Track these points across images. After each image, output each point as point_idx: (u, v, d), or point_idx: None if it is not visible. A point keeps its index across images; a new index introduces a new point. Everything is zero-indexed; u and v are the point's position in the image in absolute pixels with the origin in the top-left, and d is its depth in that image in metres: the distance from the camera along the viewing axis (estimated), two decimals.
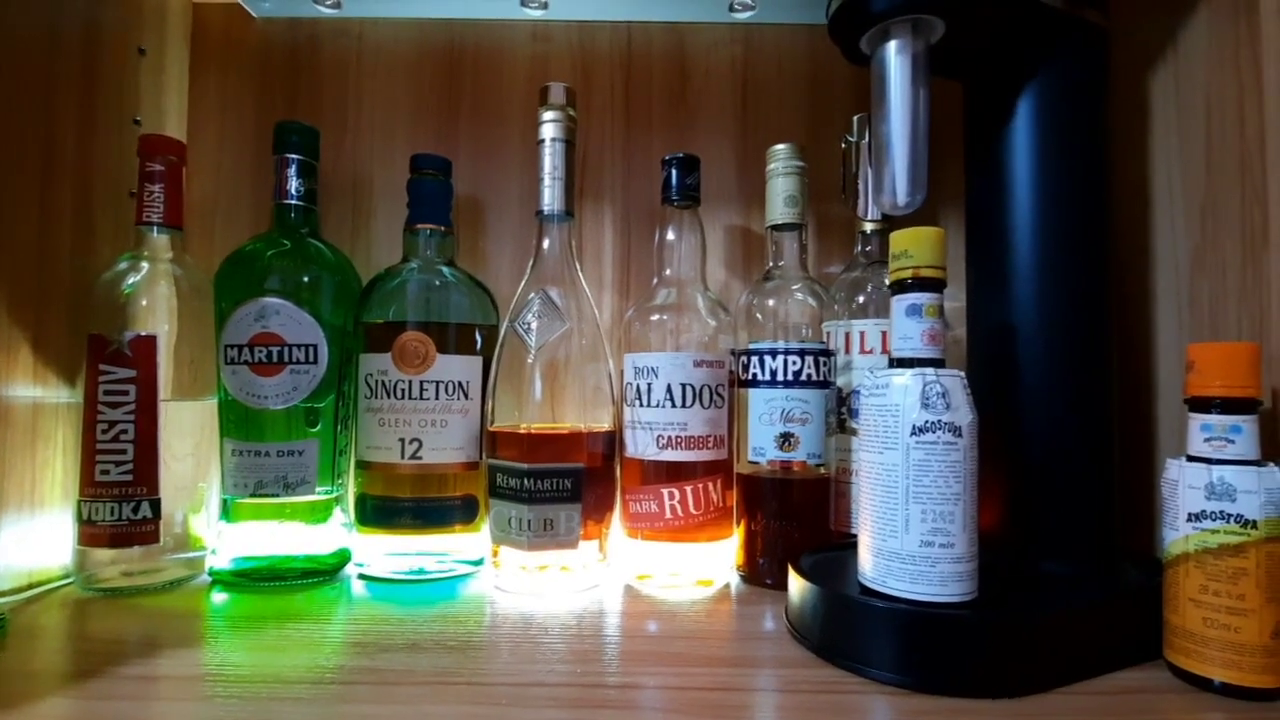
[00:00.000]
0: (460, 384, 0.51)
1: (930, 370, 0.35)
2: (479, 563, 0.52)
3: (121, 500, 0.46)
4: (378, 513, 0.51)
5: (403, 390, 0.50)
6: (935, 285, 0.36)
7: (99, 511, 0.46)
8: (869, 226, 0.54)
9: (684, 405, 0.48)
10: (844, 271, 0.55)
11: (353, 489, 0.53)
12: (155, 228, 0.50)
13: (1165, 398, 0.48)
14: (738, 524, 0.51)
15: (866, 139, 0.53)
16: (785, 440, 0.48)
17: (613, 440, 0.51)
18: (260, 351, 0.49)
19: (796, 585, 0.40)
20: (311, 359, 0.49)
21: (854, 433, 0.51)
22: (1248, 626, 0.32)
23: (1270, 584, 0.32)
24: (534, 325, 0.48)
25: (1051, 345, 0.43)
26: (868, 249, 0.54)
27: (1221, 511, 0.33)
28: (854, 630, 0.35)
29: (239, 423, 0.49)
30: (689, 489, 0.48)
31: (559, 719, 0.30)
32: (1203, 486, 0.34)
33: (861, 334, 0.51)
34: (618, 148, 0.62)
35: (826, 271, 0.60)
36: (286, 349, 0.49)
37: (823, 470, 0.50)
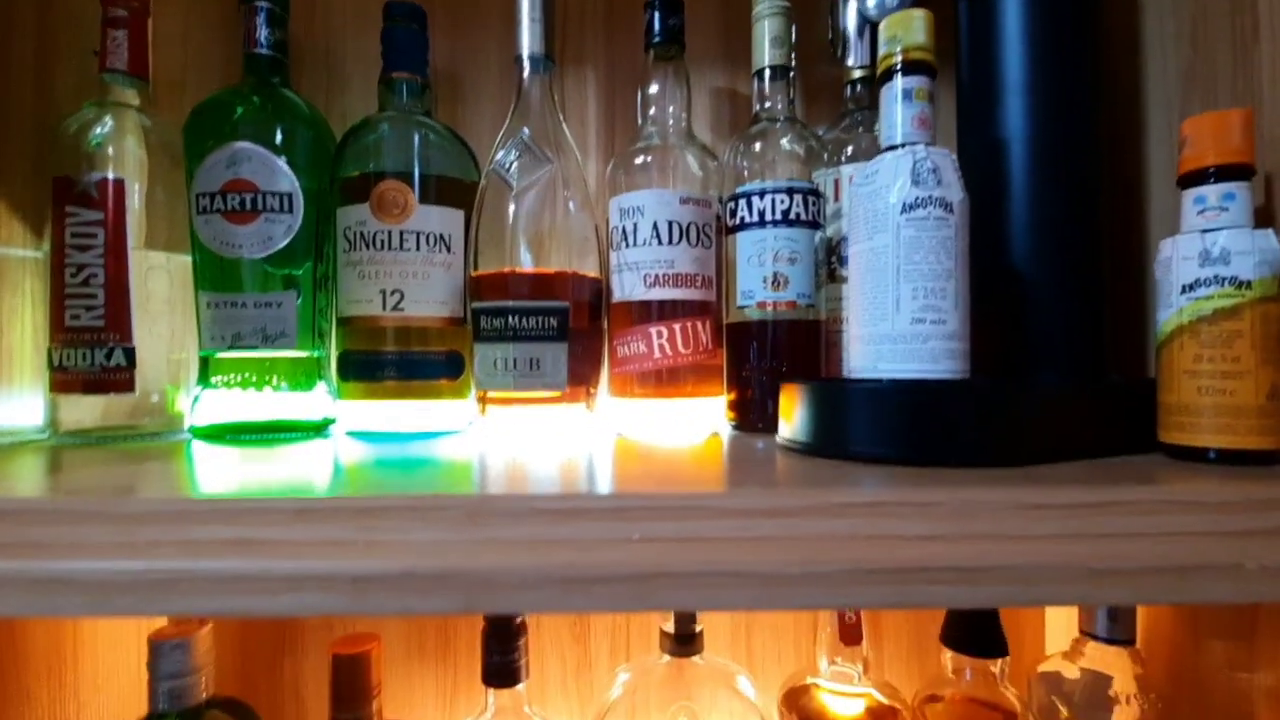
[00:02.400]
0: (441, 236, 0.50)
1: (920, 147, 0.34)
2: (469, 425, 0.51)
3: (94, 346, 0.45)
4: (360, 368, 0.49)
5: (382, 241, 0.48)
6: (925, 68, 0.35)
7: (70, 358, 0.45)
8: (857, 73, 0.53)
9: (671, 243, 0.47)
10: (831, 128, 0.54)
11: (334, 353, 0.52)
12: (120, 76, 0.48)
13: (1156, 226, 0.47)
14: (727, 374, 0.50)
15: None
16: (774, 280, 0.48)
17: (599, 292, 0.50)
18: (233, 199, 0.47)
19: (786, 394, 0.39)
20: (286, 208, 0.48)
21: (844, 281, 0.50)
22: (1243, 389, 0.32)
23: (1265, 345, 0.32)
24: (515, 166, 0.47)
25: (1041, 170, 0.42)
26: (857, 93, 0.53)
27: (1216, 276, 0.33)
28: (846, 418, 0.35)
29: (214, 275, 0.48)
30: (677, 327, 0.47)
31: (549, 492, 0.29)
32: (1196, 255, 0.33)
33: (851, 178, 0.50)
34: (599, 12, 0.60)
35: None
36: (260, 196, 0.47)
37: (813, 313, 0.49)
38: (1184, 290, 0.34)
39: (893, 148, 0.35)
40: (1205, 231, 0.33)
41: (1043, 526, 0.26)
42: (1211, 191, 0.34)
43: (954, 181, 0.34)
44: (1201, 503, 0.27)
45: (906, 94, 0.35)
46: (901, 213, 0.34)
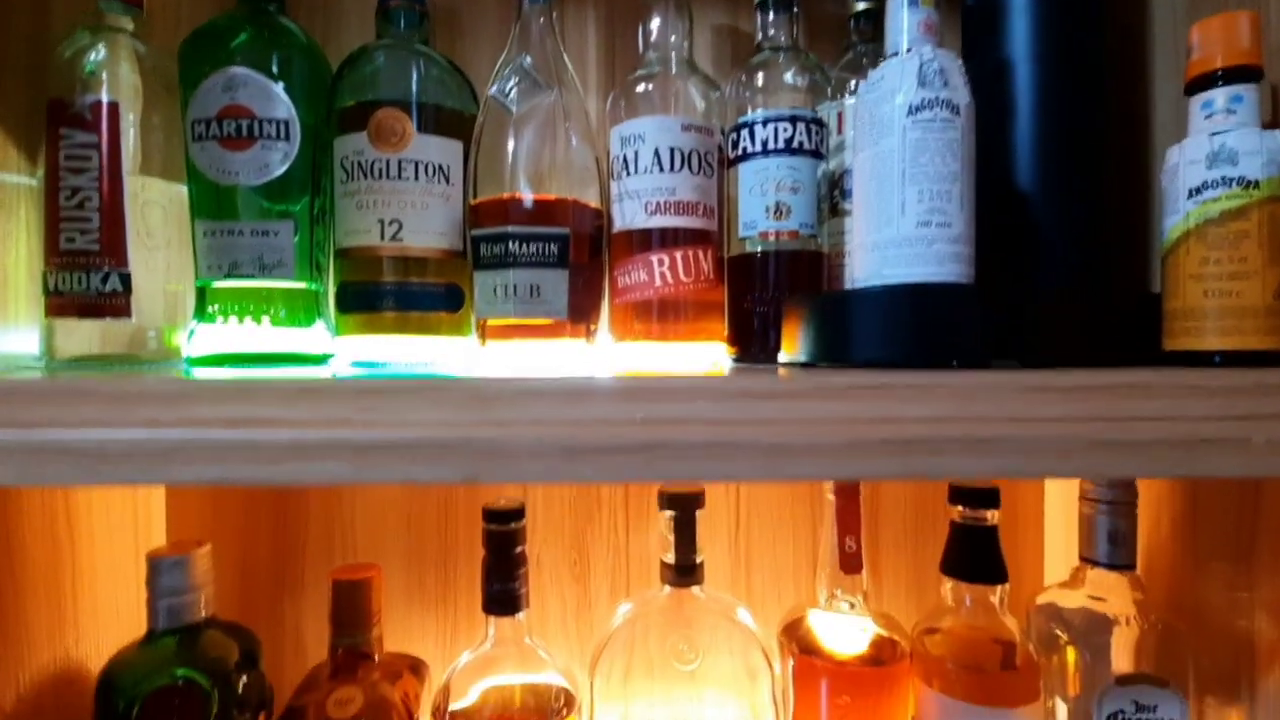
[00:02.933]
0: (440, 167, 0.49)
1: (927, 49, 0.34)
2: (469, 360, 0.51)
3: (89, 270, 0.44)
4: (358, 299, 0.49)
5: (380, 170, 0.48)
6: None
7: (65, 281, 0.44)
8: (861, 5, 0.52)
9: (673, 170, 0.46)
10: (834, 65, 0.54)
11: (333, 289, 0.51)
12: (115, 2, 0.47)
13: (1161, 152, 0.47)
14: (728, 307, 0.50)
15: None
16: (777, 210, 0.47)
17: (600, 227, 0.49)
18: (229, 125, 0.47)
19: (789, 312, 0.39)
20: (283, 135, 0.47)
21: (847, 215, 0.50)
22: (1249, 290, 0.32)
23: (1272, 244, 0.32)
24: (515, 92, 0.47)
25: (1045, 89, 0.42)
26: (860, 26, 0.52)
27: (1223, 177, 0.32)
28: (850, 324, 0.34)
29: (211, 203, 0.47)
30: (678, 255, 0.46)
31: (553, 376, 0.29)
32: (1204, 157, 0.33)
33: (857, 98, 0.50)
34: None
35: None
36: (256, 122, 0.47)
37: (815, 244, 0.49)
38: (1191, 194, 0.33)
39: (899, 54, 0.35)
40: (1213, 135, 0.33)
41: (1047, 408, 0.26)
42: (1220, 94, 0.33)
43: (960, 85, 0.34)
44: (1207, 386, 0.27)
45: None
46: (908, 115, 0.33)
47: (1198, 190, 0.33)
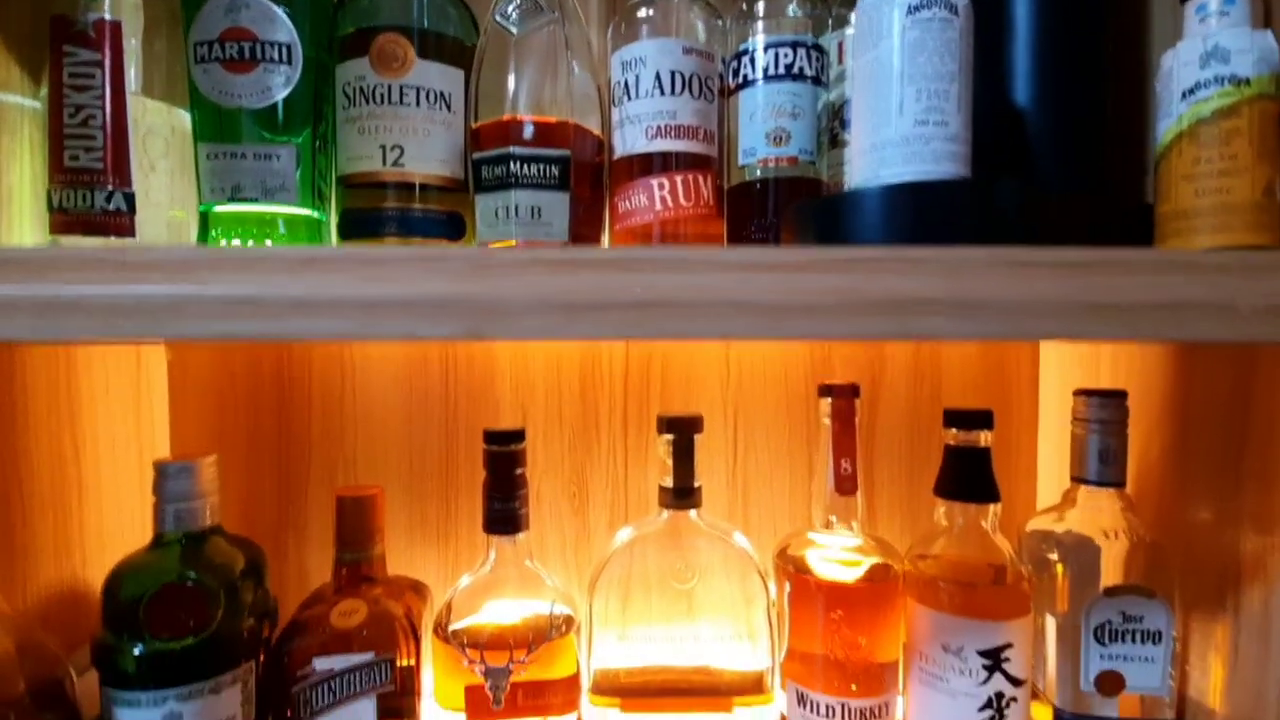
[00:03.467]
0: (442, 94, 0.49)
1: None
2: None
3: (93, 188, 0.45)
4: (360, 225, 0.49)
5: (382, 95, 0.48)
6: None
7: (70, 199, 0.45)
8: None
9: (674, 93, 0.47)
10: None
11: (335, 219, 0.52)
12: None
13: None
14: (728, 239, 0.50)
15: None
16: (776, 136, 0.48)
17: (600, 159, 0.50)
18: (231, 47, 0.47)
19: (786, 220, 0.39)
20: (285, 59, 0.48)
21: (847, 145, 0.50)
22: (1239, 186, 0.32)
23: (1263, 141, 0.32)
24: (516, 14, 0.47)
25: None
26: None
27: (1215, 76, 0.33)
28: (845, 225, 0.35)
29: (213, 125, 0.48)
30: (678, 179, 0.47)
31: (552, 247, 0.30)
32: (1197, 58, 0.33)
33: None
34: None
35: None
36: (258, 45, 0.47)
37: (814, 171, 0.49)
38: (1184, 96, 0.34)
39: None
40: (1207, 36, 0.33)
41: (1035, 285, 0.27)
42: None
43: None
44: (1194, 263, 0.27)
45: None
46: (907, 14, 0.34)
47: (1191, 91, 0.33)
